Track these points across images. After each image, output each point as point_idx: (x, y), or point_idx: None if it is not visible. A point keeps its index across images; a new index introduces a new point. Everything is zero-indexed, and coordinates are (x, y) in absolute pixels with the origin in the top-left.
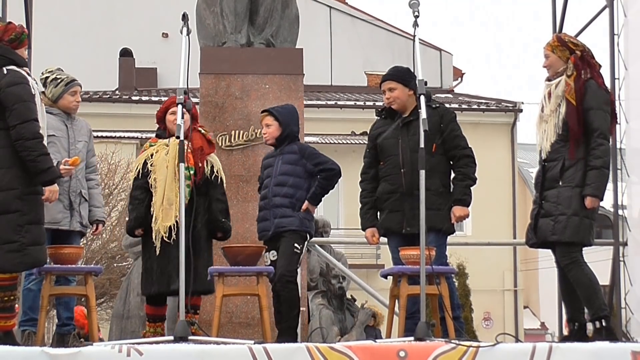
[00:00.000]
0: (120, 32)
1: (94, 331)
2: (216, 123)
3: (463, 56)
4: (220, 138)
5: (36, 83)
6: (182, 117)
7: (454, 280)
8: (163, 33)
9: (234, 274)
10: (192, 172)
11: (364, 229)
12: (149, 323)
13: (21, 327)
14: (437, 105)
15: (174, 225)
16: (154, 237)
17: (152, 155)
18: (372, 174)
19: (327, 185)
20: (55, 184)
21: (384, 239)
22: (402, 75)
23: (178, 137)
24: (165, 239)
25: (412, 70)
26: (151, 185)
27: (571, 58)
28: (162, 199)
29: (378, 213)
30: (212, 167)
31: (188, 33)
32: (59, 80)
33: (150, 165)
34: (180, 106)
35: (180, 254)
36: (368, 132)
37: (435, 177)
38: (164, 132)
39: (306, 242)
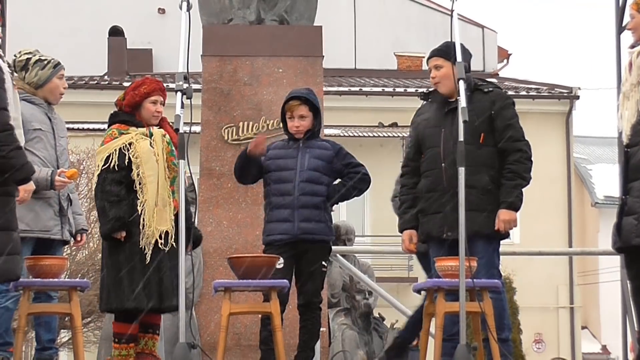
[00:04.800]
0: (109, 7)
1: (79, 356)
2: (221, 113)
3: (509, 34)
4: (226, 131)
5: (9, 66)
6: (182, 107)
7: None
8: (159, 8)
9: (242, 288)
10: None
11: (401, 231)
12: (118, 344)
13: None
14: (491, 89)
15: (169, 230)
16: (142, 242)
17: (130, 144)
18: (413, 167)
19: (355, 190)
20: (32, 182)
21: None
22: (449, 51)
23: (177, 130)
24: (161, 246)
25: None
26: (136, 181)
27: None
28: (155, 198)
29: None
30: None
31: (188, 8)
32: (46, 62)
33: (133, 156)
34: (179, 94)
35: (180, 264)
36: (410, 121)
37: (483, 173)
38: (137, 120)
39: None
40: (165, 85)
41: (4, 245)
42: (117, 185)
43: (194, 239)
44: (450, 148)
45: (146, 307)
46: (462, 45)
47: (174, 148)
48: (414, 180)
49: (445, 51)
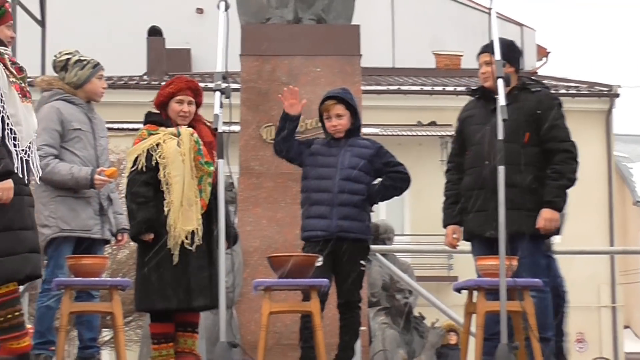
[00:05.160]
0: (148, 8)
1: (121, 354)
2: (259, 112)
3: (548, 32)
4: (265, 130)
5: (12, 64)
6: (221, 107)
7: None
8: (197, 8)
9: (282, 287)
10: (212, 167)
11: (444, 226)
12: (157, 345)
13: (35, 350)
14: (538, 89)
15: (196, 230)
16: (170, 243)
17: (157, 145)
18: (457, 162)
19: (395, 190)
20: (10, 181)
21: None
22: (504, 48)
23: (216, 130)
24: (187, 246)
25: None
26: (163, 182)
27: None
28: (181, 198)
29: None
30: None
31: (226, 8)
32: (85, 62)
33: (160, 157)
34: (218, 93)
35: (220, 263)
36: (457, 118)
37: (527, 172)
38: (166, 120)
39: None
40: (204, 85)
41: (9, 246)
42: (145, 186)
43: (233, 237)
44: (494, 146)
45: (174, 306)
46: (513, 43)
47: (202, 147)
48: (457, 176)
49: (499, 47)
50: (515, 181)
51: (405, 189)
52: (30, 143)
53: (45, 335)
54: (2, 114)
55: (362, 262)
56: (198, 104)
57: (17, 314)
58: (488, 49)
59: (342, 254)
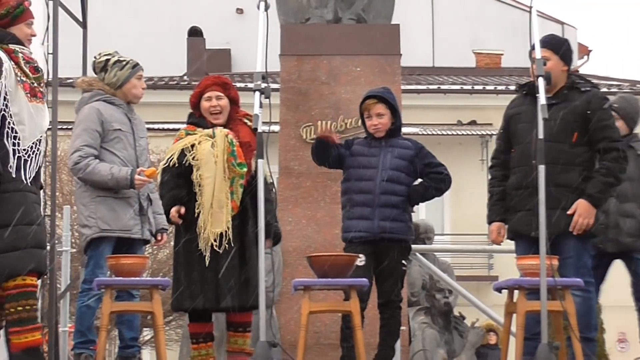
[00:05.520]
0: (188, 8)
1: (161, 354)
2: (299, 112)
3: (589, 31)
4: (304, 130)
5: (27, 61)
6: (261, 107)
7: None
8: (237, 9)
9: (322, 287)
10: (244, 169)
11: (489, 223)
12: (196, 345)
13: (77, 349)
14: (588, 88)
15: (225, 232)
16: (201, 245)
17: (192, 146)
18: (503, 159)
19: (436, 191)
20: None
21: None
22: (558, 44)
23: (256, 129)
24: (216, 248)
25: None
26: (195, 183)
27: None
28: (211, 200)
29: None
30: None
31: (266, 8)
32: (124, 63)
33: (193, 158)
34: (257, 93)
35: (260, 263)
36: (503, 115)
37: (574, 172)
38: (201, 119)
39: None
40: (243, 85)
41: (11, 242)
42: (171, 175)
43: (273, 237)
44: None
45: (201, 306)
46: (567, 42)
47: (235, 148)
48: (502, 173)
49: (553, 43)
50: (563, 181)
51: (446, 190)
52: (34, 143)
53: (85, 335)
54: (3, 112)
55: (403, 262)
56: (232, 99)
57: (28, 307)
58: (544, 44)
59: (383, 254)
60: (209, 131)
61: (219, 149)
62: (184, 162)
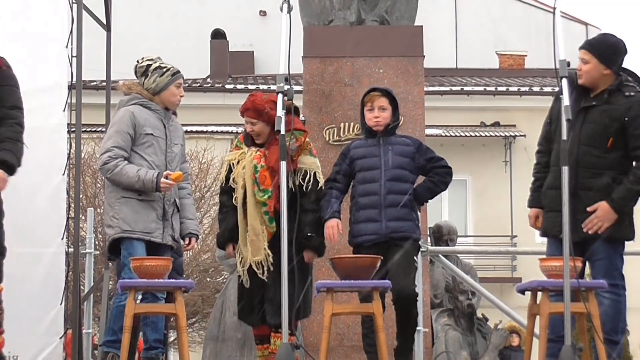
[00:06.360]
0: (212, 11)
1: (184, 356)
2: (322, 114)
3: (613, 31)
4: (328, 131)
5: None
6: (284, 109)
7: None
8: (260, 11)
9: (344, 289)
10: (265, 197)
11: (529, 207)
12: (261, 345)
13: (105, 347)
14: (632, 93)
15: (264, 260)
16: (240, 270)
17: (235, 162)
18: (547, 146)
19: (442, 185)
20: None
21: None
22: (601, 48)
23: (279, 131)
24: (260, 276)
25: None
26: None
27: None
28: (246, 227)
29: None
30: (306, 173)
31: (289, 10)
32: (165, 69)
33: (232, 179)
34: (280, 95)
35: (283, 268)
36: (550, 113)
37: (607, 176)
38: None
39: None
40: (266, 87)
41: None
42: (226, 195)
43: (312, 248)
44: (575, 147)
45: (252, 324)
46: (614, 44)
47: (259, 174)
48: (546, 159)
49: (595, 46)
50: (594, 185)
51: (450, 182)
52: None
53: (117, 334)
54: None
55: (415, 257)
56: (267, 121)
57: None
58: (586, 45)
59: (393, 252)
60: (245, 150)
61: (247, 174)
62: (229, 175)
